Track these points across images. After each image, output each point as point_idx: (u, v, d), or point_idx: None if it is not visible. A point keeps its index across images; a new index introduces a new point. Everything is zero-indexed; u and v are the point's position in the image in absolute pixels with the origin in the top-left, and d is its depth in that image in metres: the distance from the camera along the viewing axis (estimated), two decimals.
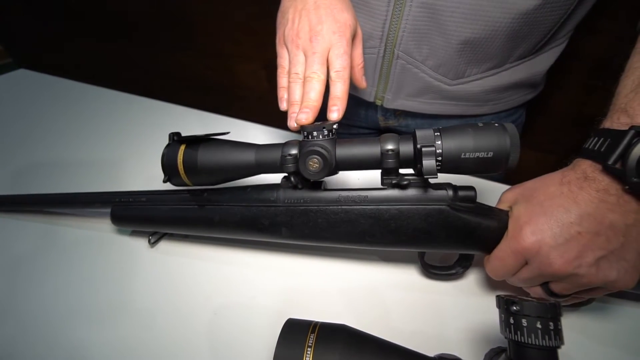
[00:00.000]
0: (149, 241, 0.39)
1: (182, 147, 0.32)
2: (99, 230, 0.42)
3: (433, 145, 0.27)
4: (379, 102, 0.51)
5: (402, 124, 0.55)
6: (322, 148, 0.29)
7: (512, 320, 0.21)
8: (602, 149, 0.26)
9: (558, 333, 0.20)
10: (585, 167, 0.27)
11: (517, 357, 0.21)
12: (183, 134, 0.33)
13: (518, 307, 0.21)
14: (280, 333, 0.24)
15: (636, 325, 0.31)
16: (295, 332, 0.24)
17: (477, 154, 0.26)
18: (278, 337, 0.24)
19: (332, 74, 0.32)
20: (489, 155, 0.26)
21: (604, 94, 0.78)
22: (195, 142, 0.32)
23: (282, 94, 0.34)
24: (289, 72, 0.34)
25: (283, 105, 0.34)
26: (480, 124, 0.27)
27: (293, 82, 0.33)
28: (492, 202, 0.32)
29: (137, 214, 0.37)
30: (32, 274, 0.38)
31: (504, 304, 0.22)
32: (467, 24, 0.39)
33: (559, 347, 0.21)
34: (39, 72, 0.75)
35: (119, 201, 0.37)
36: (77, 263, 0.39)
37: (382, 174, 0.31)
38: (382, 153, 0.28)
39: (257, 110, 1.13)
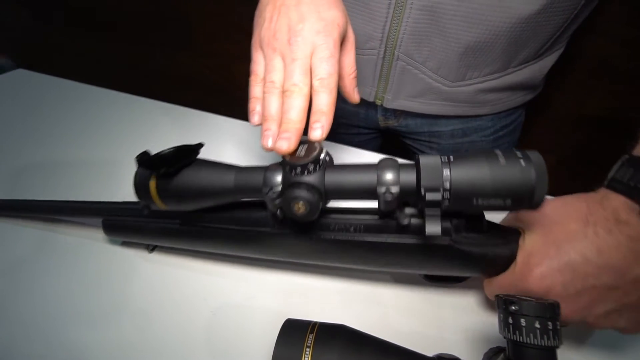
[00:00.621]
0: (148, 248, 0.39)
1: (153, 179, 0.29)
2: (95, 234, 0.42)
3: (439, 190, 0.22)
4: (379, 102, 0.50)
5: (402, 123, 0.54)
6: (308, 190, 0.24)
7: (510, 320, 0.21)
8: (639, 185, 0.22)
9: (557, 333, 0.20)
10: (617, 205, 0.23)
11: (515, 356, 0.21)
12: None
13: (517, 307, 0.21)
14: (279, 333, 0.24)
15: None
16: (294, 332, 0.24)
17: (492, 202, 0.22)
18: (277, 337, 0.24)
19: (315, 82, 0.27)
20: (506, 203, 0.22)
21: (603, 95, 0.79)
22: (166, 169, 0.28)
23: (254, 106, 0.29)
24: (264, 80, 0.28)
25: (254, 120, 0.29)
26: (501, 159, 0.22)
27: (269, 92, 0.27)
28: None
29: (128, 227, 0.36)
30: (29, 277, 0.38)
31: (502, 304, 0.22)
32: (467, 28, 0.39)
33: (557, 346, 0.20)
34: (37, 72, 0.74)
35: (107, 215, 0.36)
36: (72, 266, 0.38)
37: (379, 208, 0.27)
38: (379, 194, 0.24)
39: None
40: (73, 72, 0.78)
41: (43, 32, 1.35)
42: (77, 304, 0.35)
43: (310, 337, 0.24)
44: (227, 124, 0.58)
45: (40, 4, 1.26)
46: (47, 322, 0.34)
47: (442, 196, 0.22)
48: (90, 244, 0.40)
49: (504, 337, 0.22)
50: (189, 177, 0.28)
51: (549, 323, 0.20)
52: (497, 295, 0.23)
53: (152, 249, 0.39)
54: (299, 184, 0.25)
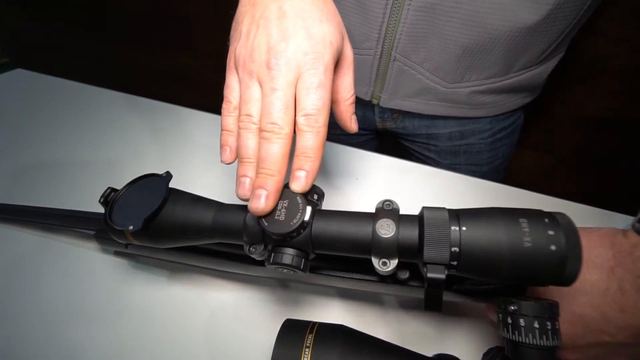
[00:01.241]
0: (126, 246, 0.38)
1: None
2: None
3: (443, 272, 0.19)
4: (375, 101, 0.50)
5: (400, 125, 0.54)
6: (292, 260, 0.21)
7: (510, 320, 0.21)
8: None
9: (556, 333, 0.20)
10: None
11: (515, 356, 0.21)
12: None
13: (516, 307, 0.21)
14: (278, 333, 0.24)
15: None
16: (293, 332, 0.24)
17: (505, 282, 0.19)
18: (276, 337, 0.24)
19: (300, 119, 0.22)
20: (523, 285, 0.19)
21: (603, 95, 0.79)
22: (134, 228, 0.24)
23: (226, 140, 0.24)
24: (239, 112, 0.23)
25: (226, 157, 0.24)
26: (527, 240, 0.17)
27: (244, 128, 0.23)
28: (488, 202, 0.32)
29: (119, 243, 0.34)
30: (26, 280, 0.38)
31: (502, 304, 0.22)
32: (465, 30, 0.39)
33: (556, 346, 0.20)
34: (36, 72, 0.74)
35: (98, 227, 0.34)
36: (71, 266, 0.38)
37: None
38: (375, 266, 0.21)
39: None
40: (73, 72, 0.78)
41: (43, 32, 1.35)
42: (74, 306, 0.35)
43: (310, 337, 0.24)
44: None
45: (40, 3, 1.26)
46: (44, 324, 0.34)
47: (445, 278, 0.19)
48: (88, 245, 0.40)
49: (503, 337, 0.22)
50: (164, 217, 0.24)
51: (548, 323, 0.20)
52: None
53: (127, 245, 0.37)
54: (282, 250, 0.22)
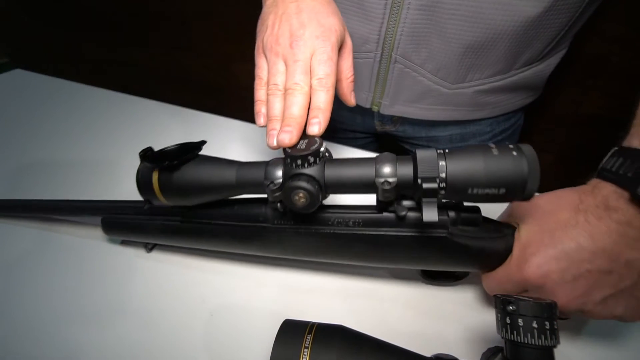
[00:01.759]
0: (146, 247, 0.39)
1: (155, 172, 0.30)
2: (94, 234, 0.42)
3: (435, 181, 0.23)
4: (375, 109, 0.49)
5: (399, 129, 0.54)
6: (308, 181, 0.25)
7: (508, 320, 0.21)
8: (628, 174, 0.23)
9: (554, 332, 0.20)
10: (607, 193, 0.24)
11: (513, 356, 0.21)
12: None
13: (514, 307, 0.21)
14: (276, 334, 0.24)
15: (638, 326, 0.31)
16: (292, 333, 0.24)
17: (486, 191, 0.23)
18: (275, 338, 0.24)
19: (314, 82, 0.29)
20: (500, 192, 0.22)
21: (600, 94, 0.79)
22: (170, 162, 0.29)
23: (260, 108, 0.31)
24: (268, 84, 0.30)
25: (260, 121, 0.31)
26: (495, 151, 0.23)
27: (272, 94, 0.29)
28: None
29: (127, 225, 0.36)
30: (26, 277, 0.37)
31: (500, 304, 0.22)
32: (467, 27, 0.38)
33: (555, 346, 0.21)
34: (35, 73, 0.74)
35: (107, 213, 0.36)
36: (71, 266, 0.38)
37: (378, 200, 0.28)
38: (377, 185, 0.25)
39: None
40: (72, 72, 0.78)
41: (42, 32, 1.35)
42: (74, 305, 0.35)
43: (309, 337, 0.24)
44: (226, 124, 0.58)
45: (39, 4, 1.26)
46: (45, 322, 0.34)
47: (438, 186, 0.23)
48: (89, 244, 0.40)
49: (502, 337, 0.22)
50: (191, 171, 0.29)
51: (547, 323, 0.20)
52: (495, 296, 0.23)
53: (150, 248, 0.39)
54: (300, 175, 0.25)
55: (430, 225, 0.27)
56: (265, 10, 0.34)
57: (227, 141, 0.54)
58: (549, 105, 0.79)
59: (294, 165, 0.26)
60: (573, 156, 0.85)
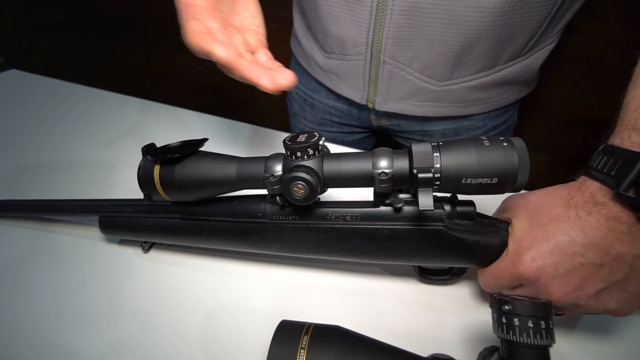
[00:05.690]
0: (142, 247, 0.39)
1: (157, 166, 0.30)
2: (91, 234, 0.41)
3: (430, 171, 0.24)
4: (370, 105, 0.51)
5: (394, 123, 0.55)
6: (307, 173, 0.26)
7: (504, 320, 0.21)
8: (612, 172, 0.24)
9: (549, 332, 0.21)
10: (594, 190, 0.25)
11: (509, 356, 0.21)
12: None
13: (510, 307, 0.21)
14: (273, 335, 0.24)
15: (629, 322, 0.31)
16: (288, 333, 0.24)
17: (479, 180, 0.24)
18: (271, 338, 0.24)
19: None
20: (492, 182, 0.23)
21: (596, 94, 0.79)
22: (171, 157, 0.29)
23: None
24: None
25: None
26: (486, 142, 0.24)
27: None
28: (483, 200, 0.32)
29: (125, 224, 0.36)
30: (21, 279, 0.37)
31: (496, 304, 0.22)
32: (446, 29, 0.40)
33: (550, 345, 0.21)
34: (31, 73, 0.74)
35: (105, 211, 0.36)
36: (67, 267, 0.38)
37: (375, 193, 0.29)
38: (374, 176, 0.26)
39: (256, 112, 1.13)
40: (69, 72, 0.78)
41: (39, 32, 1.34)
42: (71, 305, 0.35)
43: (305, 338, 0.24)
44: (225, 124, 0.58)
45: (36, 4, 1.26)
46: (42, 322, 0.34)
47: (433, 176, 0.24)
48: (86, 244, 0.40)
49: (498, 337, 0.22)
50: (192, 165, 0.29)
51: (542, 322, 0.21)
52: (491, 295, 0.23)
53: (147, 248, 0.39)
54: (299, 167, 0.26)
55: (427, 218, 0.28)
56: None
57: (227, 141, 0.54)
58: (545, 106, 0.79)
59: (293, 157, 0.27)
60: (569, 156, 0.85)
